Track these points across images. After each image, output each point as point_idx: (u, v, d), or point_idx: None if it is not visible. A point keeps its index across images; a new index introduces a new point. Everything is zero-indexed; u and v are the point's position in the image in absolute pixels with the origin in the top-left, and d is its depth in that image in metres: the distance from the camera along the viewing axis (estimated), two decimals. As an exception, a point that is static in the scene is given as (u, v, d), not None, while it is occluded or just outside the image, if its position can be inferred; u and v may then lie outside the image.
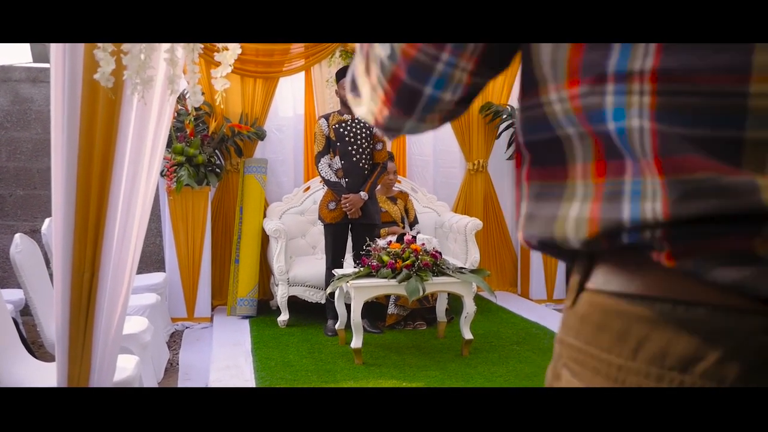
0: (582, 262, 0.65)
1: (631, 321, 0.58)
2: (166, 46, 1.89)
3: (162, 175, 4.85)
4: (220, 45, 1.90)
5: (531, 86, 0.67)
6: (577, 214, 0.61)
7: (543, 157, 0.67)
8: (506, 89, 5.77)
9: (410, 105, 0.72)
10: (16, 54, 5.46)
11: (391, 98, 0.73)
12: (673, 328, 0.56)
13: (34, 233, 4.88)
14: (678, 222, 0.53)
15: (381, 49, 0.72)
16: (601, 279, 0.62)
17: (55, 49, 1.97)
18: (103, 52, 1.73)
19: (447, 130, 5.78)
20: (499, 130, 5.78)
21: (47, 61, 5.38)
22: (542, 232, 0.65)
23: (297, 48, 5.37)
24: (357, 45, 0.77)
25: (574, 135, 0.62)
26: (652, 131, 0.54)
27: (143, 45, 1.80)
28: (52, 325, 2.61)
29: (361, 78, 0.77)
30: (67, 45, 1.93)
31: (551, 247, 0.66)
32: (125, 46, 1.79)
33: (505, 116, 5.64)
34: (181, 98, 4.90)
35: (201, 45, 1.92)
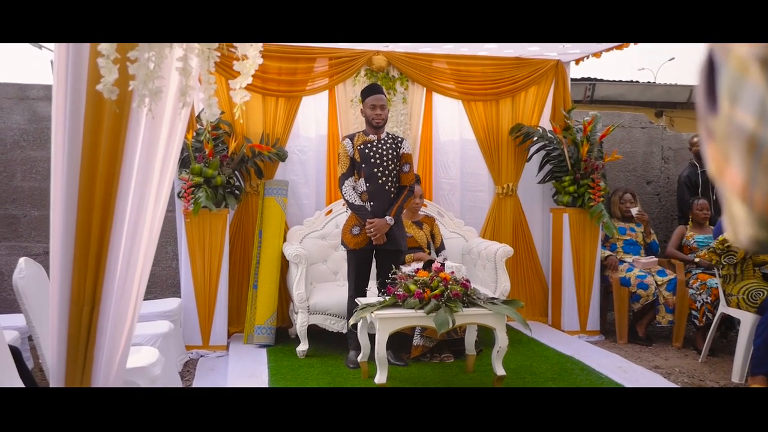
0: None
1: None
2: (178, 53, 1.68)
3: (179, 196, 4.67)
4: (239, 53, 1.68)
5: None
6: None
7: None
8: (537, 110, 5.53)
9: None
10: (35, 72, 5.37)
11: None
12: None
13: (48, 255, 4.71)
14: None
15: (744, 115, 0.43)
16: None
17: (59, 57, 1.78)
18: (106, 60, 1.53)
19: (475, 151, 5.55)
20: (530, 153, 5.54)
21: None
22: None
23: (321, 66, 5.19)
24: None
25: None
26: None
27: (152, 52, 1.59)
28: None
29: (719, 180, 0.49)
30: (71, 54, 1.74)
31: None
32: (132, 54, 1.58)
33: (536, 138, 5.40)
34: (201, 117, 4.74)
35: (218, 53, 1.72)
